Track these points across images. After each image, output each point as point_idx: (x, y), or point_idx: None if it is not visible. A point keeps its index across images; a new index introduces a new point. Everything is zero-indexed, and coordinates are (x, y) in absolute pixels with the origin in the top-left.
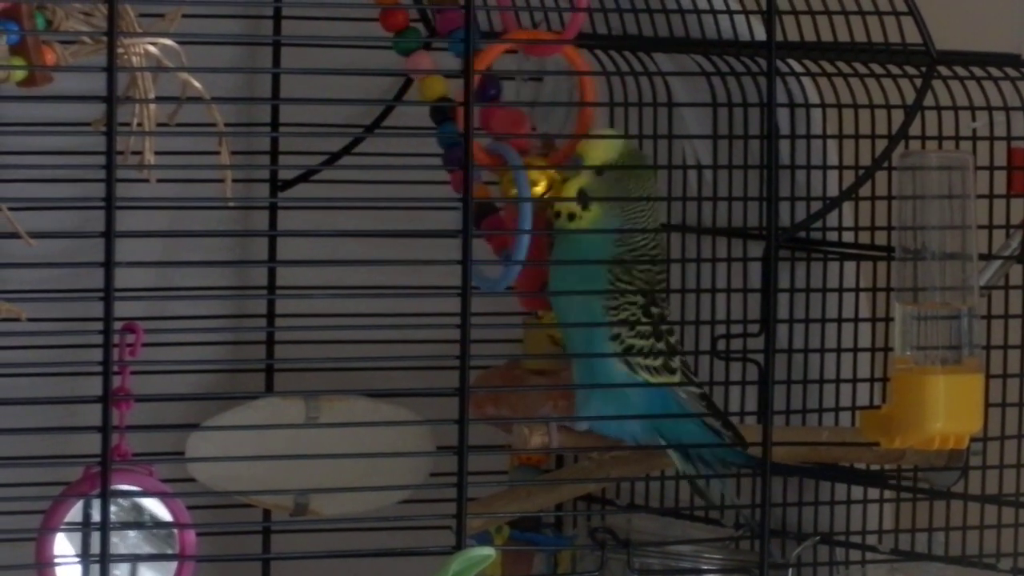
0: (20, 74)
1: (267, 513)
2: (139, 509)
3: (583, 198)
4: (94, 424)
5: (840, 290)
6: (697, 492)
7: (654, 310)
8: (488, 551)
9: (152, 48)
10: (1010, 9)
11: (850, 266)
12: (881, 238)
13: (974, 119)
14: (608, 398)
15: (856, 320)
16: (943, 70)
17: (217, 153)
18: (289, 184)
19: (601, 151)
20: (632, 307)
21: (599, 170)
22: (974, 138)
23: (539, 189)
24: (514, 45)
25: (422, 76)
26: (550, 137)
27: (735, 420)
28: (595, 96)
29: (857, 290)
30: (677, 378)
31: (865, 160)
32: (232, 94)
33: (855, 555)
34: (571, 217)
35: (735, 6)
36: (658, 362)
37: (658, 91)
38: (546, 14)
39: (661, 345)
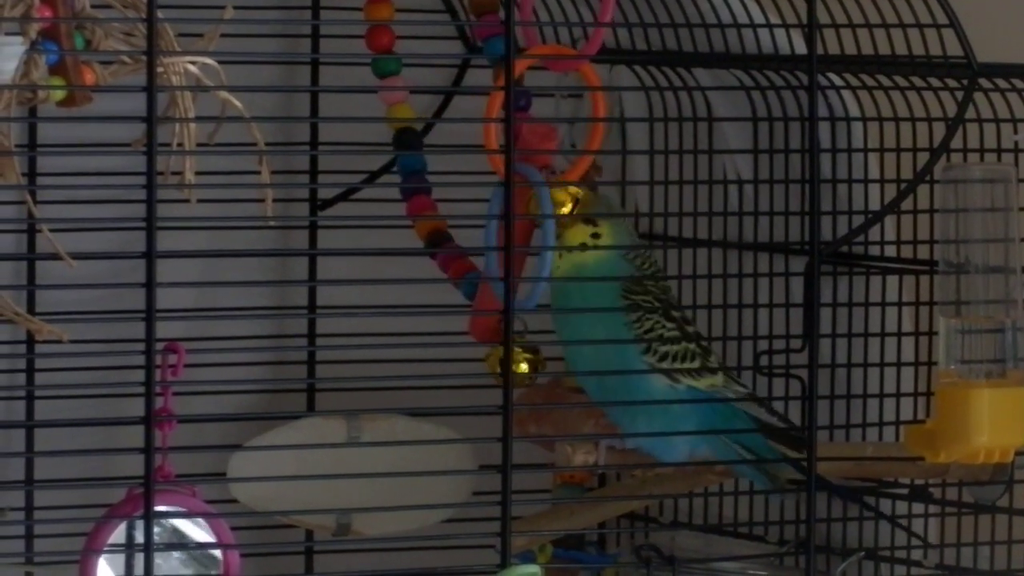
0: (60, 94)
1: (310, 533)
2: (182, 530)
3: (589, 218)
4: (137, 445)
5: (883, 304)
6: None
7: (675, 313)
8: (533, 569)
9: (191, 67)
10: None
11: (893, 280)
12: (924, 252)
13: (1016, 131)
14: (653, 415)
15: (899, 334)
16: (984, 82)
17: (257, 172)
18: (329, 203)
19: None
20: (653, 317)
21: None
22: (1016, 150)
23: (566, 209)
24: (537, 60)
25: (392, 102)
26: (577, 152)
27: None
28: (607, 112)
29: (900, 304)
30: (720, 378)
31: (907, 174)
32: (271, 113)
33: (900, 570)
34: (595, 236)
35: (775, 20)
36: (696, 363)
37: (698, 106)
38: (570, 30)
39: (693, 346)
